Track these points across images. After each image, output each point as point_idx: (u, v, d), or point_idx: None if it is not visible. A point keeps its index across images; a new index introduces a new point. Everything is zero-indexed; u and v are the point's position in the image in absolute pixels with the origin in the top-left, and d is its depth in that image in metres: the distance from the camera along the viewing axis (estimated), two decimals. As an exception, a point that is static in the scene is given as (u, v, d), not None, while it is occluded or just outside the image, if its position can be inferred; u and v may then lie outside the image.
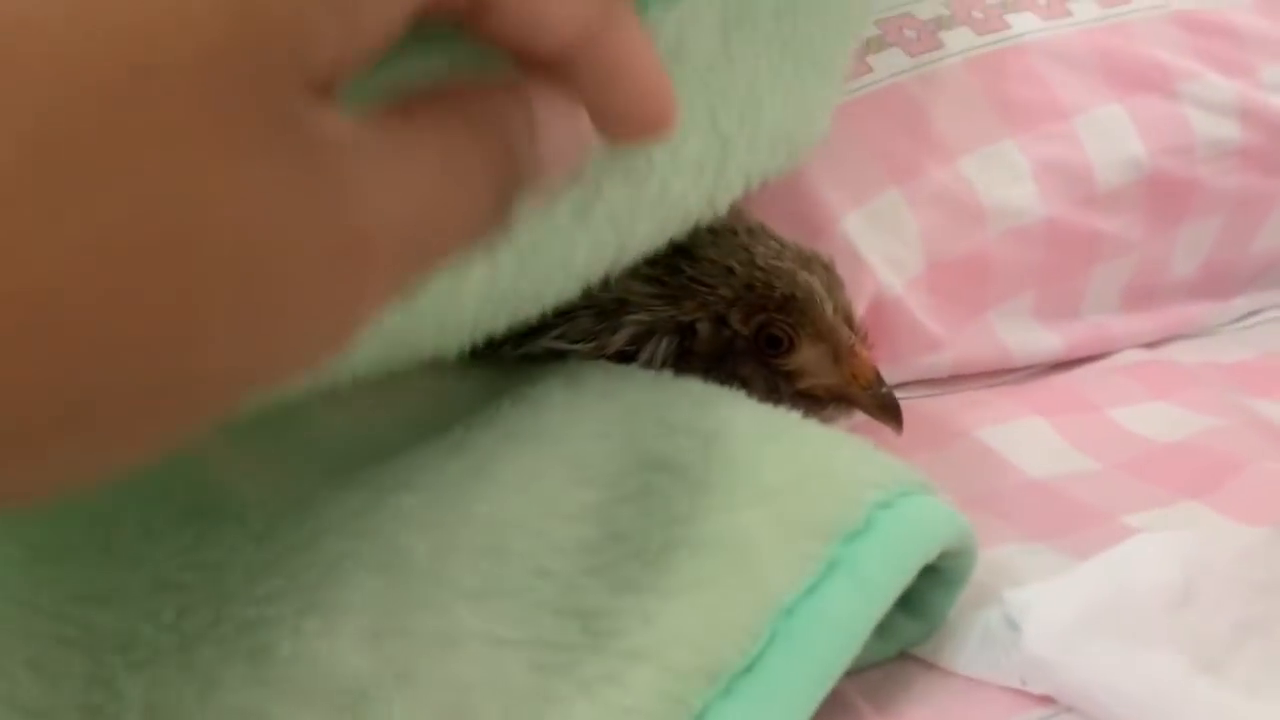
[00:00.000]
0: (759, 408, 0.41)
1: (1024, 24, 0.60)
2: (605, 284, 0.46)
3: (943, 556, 0.36)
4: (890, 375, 0.48)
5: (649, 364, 0.46)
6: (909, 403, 0.48)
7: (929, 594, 0.36)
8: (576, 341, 0.46)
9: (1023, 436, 0.52)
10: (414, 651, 0.31)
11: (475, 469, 0.36)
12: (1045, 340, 0.60)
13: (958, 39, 0.58)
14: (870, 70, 0.57)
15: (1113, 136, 0.59)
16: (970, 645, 0.36)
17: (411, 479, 0.36)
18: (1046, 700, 0.35)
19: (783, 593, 0.32)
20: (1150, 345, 0.63)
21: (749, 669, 0.31)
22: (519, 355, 0.46)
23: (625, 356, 0.46)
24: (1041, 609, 0.35)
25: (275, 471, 0.38)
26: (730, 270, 0.45)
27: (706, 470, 0.36)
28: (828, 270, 0.47)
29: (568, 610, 0.32)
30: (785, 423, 0.40)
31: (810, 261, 0.47)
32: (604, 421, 0.39)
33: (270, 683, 0.30)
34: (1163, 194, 0.60)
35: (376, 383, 0.41)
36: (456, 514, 0.35)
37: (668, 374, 0.44)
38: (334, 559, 0.33)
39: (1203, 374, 0.59)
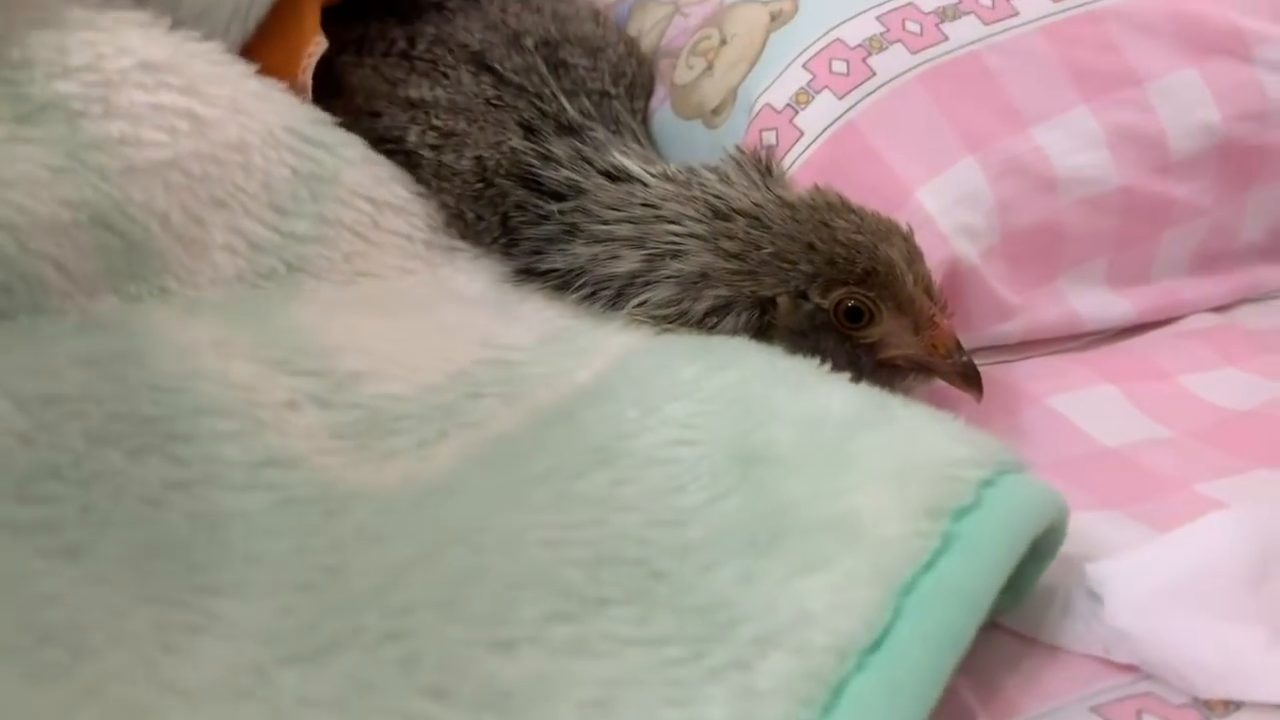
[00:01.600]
0: (849, 389, 0.42)
1: (1099, -12, 0.59)
2: (685, 258, 0.47)
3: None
4: (963, 342, 0.49)
5: (730, 335, 0.47)
6: (982, 370, 0.49)
7: (1021, 566, 0.37)
8: (658, 309, 0.48)
9: (1095, 404, 0.53)
10: (547, 656, 0.33)
11: (579, 494, 0.38)
12: (1116, 305, 0.60)
13: (1033, 6, 0.58)
14: (945, 39, 0.57)
15: (1187, 103, 0.58)
16: (1053, 615, 0.37)
17: (522, 497, 0.38)
18: (1129, 669, 0.36)
19: (902, 569, 0.34)
20: (1218, 310, 0.63)
21: (877, 645, 0.32)
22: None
23: (707, 327, 0.48)
24: (1122, 581, 0.36)
25: (373, 468, 0.40)
26: (811, 246, 0.46)
27: (806, 458, 0.38)
28: (907, 241, 0.48)
29: (688, 608, 0.34)
30: (878, 404, 0.41)
31: (890, 233, 0.48)
32: (686, 426, 0.41)
33: (421, 691, 0.32)
34: (1234, 159, 0.60)
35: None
36: (571, 532, 0.37)
37: (753, 350, 0.45)
38: (467, 573, 0.35)
39: (1272, 340, 0.59)
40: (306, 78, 0.54)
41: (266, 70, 0.53)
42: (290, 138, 0.51)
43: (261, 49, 0.54)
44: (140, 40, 0.49)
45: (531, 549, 0.36)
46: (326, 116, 0.53)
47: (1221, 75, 0.59)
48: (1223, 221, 0.62)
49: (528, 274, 0.52)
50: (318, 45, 0.55)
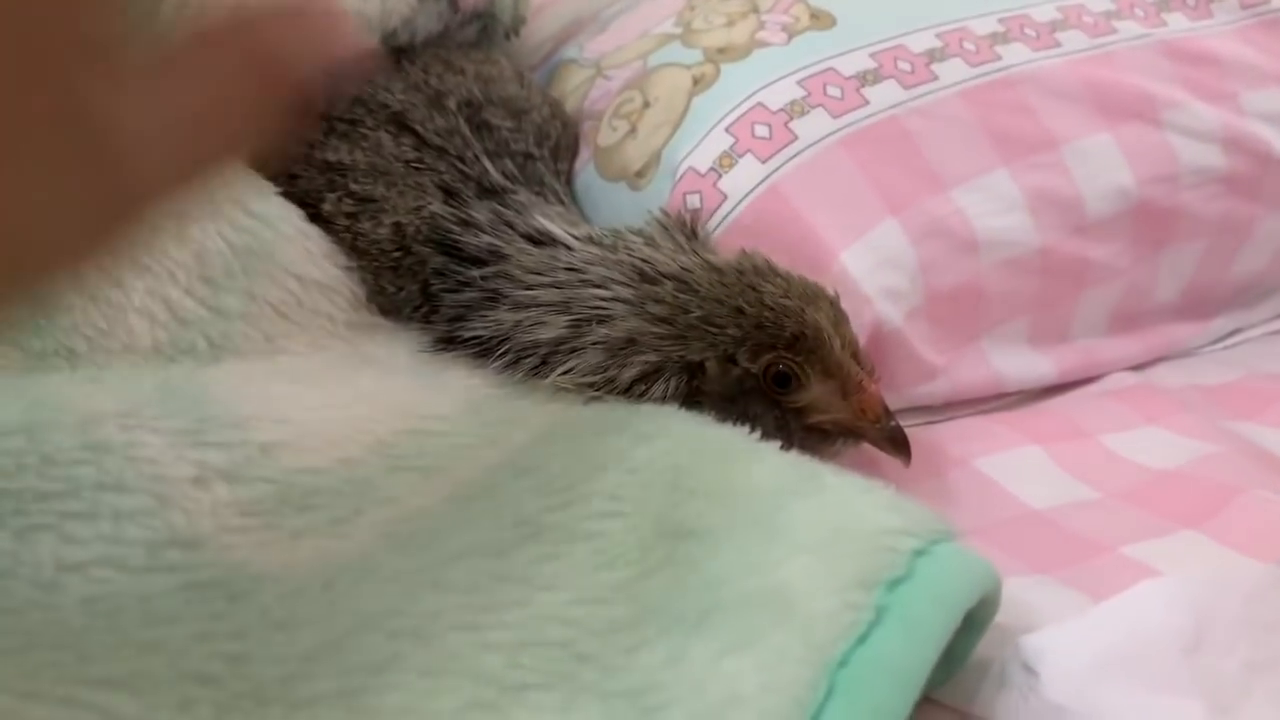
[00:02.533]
0: (778, 459, 0.41)
1: (1014, 55, 0.61)
2: (612, 323, 0.46)
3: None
4: (888, 403, 0.49)
5: (659, 402, 0.46)
6: (908, 431, 0.49)
7: (954, 637, 0.36)
8: (584, 377, 0.47)
9: (1020, 466, 0.53)
10: None
11: (501, 572, 0.37)
12: (1038, 365, 0.61)
13: (951, 71, 0.59)
14: (866, 103, 0.57)
15: (1102, 166, 0.60)
16: (988, 688, 0.37)
17: (440, 577, 0.36)
18: (1066, 743, 0.35)
19: (835, 644, 0.33)
20: (1136, 368, 0.64)
21: None
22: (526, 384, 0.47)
23: (634, 395, 0.47)
24: (1057, 654, 0.36)
25: (282, 547, 0.38)
26: (739, 310, 0.46)
27: (735, 531, 0.37)
28: (833, 305, 0.48)
29: (614, 692, 0.32)
30: (808, 474, 0.40)
31: (817, 297, 0.47)
32: (613, 499, 0.39)
33: None
34: (1149, 221, 0.62)
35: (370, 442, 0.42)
36: (491, 615, 0.35)
37: (680, 419, 0.45)
38: (380, 661, 0.33)
39: (1189, 397, 0.60)
40: None
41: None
42: (234, 210, 0.49)
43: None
44: None
45: (449, 634, 0.34)
46: (268, 186, 0.51)
47: (1134, 139, 0.61)
48: (1138, 282, 0.63)
49: (449, 342, 0.50)
50: None
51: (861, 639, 0.34)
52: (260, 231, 0.49)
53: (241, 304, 0.48)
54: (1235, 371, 0.64)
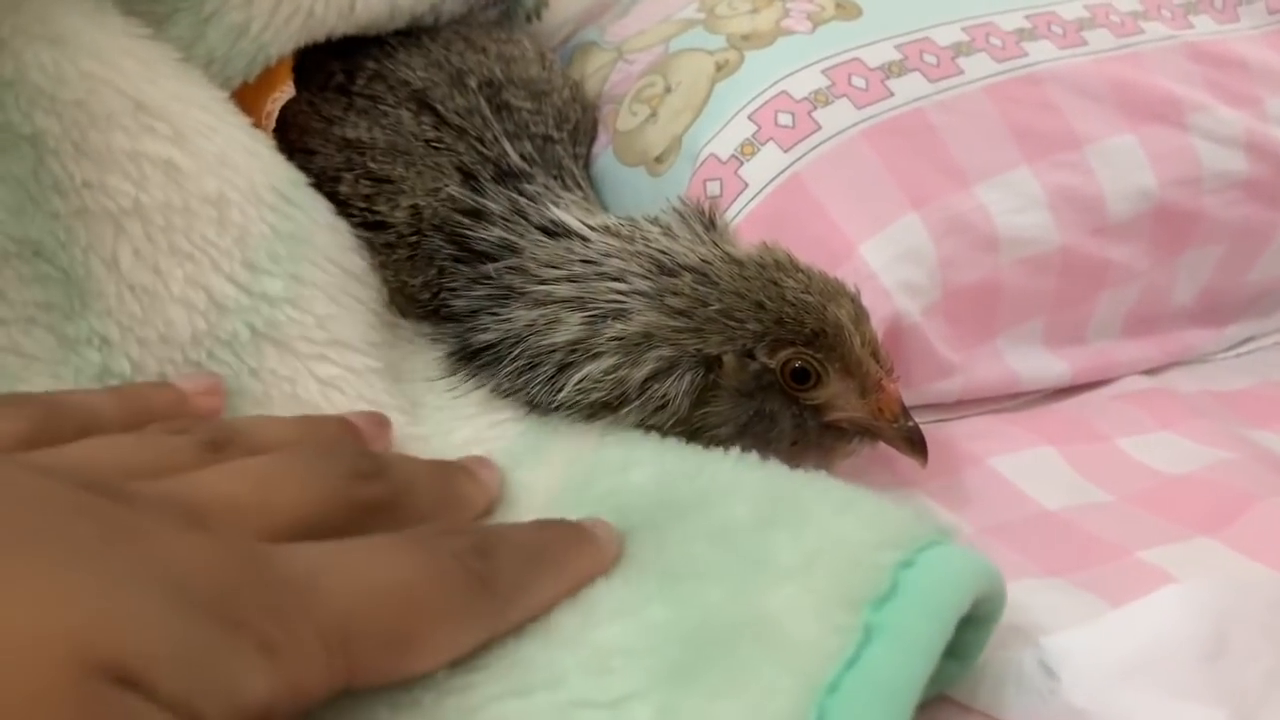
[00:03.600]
0: (754, 485, 0.40)
1: (1041, 52, 0.60)
2: (628, 318, 0.46)
3: (974, 600, 0.36)
4: (904, 400, 0.48)
5: (674, 398, 0.46)
6: (923, 429, 0.48)
7: (962, 634, 0.36)
8: (597, 384, 0.46)
9: (1034, 466, 0.53)
10: None
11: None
12: (1054, 366, 0.60)
13: (977, 66, 0.58)
14: (891, 94, 0.57)
15: (1125, 166, 0.59)
16: (1007, 689, 0.37)
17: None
18: (1085, 748, 0.35)
19: (823, 670, 0.32)
20: (1150, 372, 0.64)
21: None
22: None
23: (644, 396, 0.46)
24: (1078, 658, 0.36)
25: None
26: (760, 305, 0.45)
27: (713, 568, 0.36)
28: (854, 302, 0.47)
29: None
30: (784, 498, 0.39)
31: (838, 294, 0.47)
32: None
33: None
34: (1169, 224, 0.61)
35: None
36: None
37: (652, 455, 0.44)
38: None
39: (1202, 403, 0.60)
40: (270, 124, 0.52)
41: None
42: (273, 196, 0.47)
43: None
44: (142, 77, 0.45)
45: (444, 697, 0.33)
46: (301, 177, 0.50)
47: (1158, 141, 0.60)
48: (1156, 284, 0.63)
49: (462, 357, 0.49)
50: (284, 91, 0.52)
51: (851, 661, 0.32)
52: (299, 217, 0.48)
53: (286, 288, 0.46)
54: (1249, 379, 0.64)
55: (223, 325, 0.45)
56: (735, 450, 0.43)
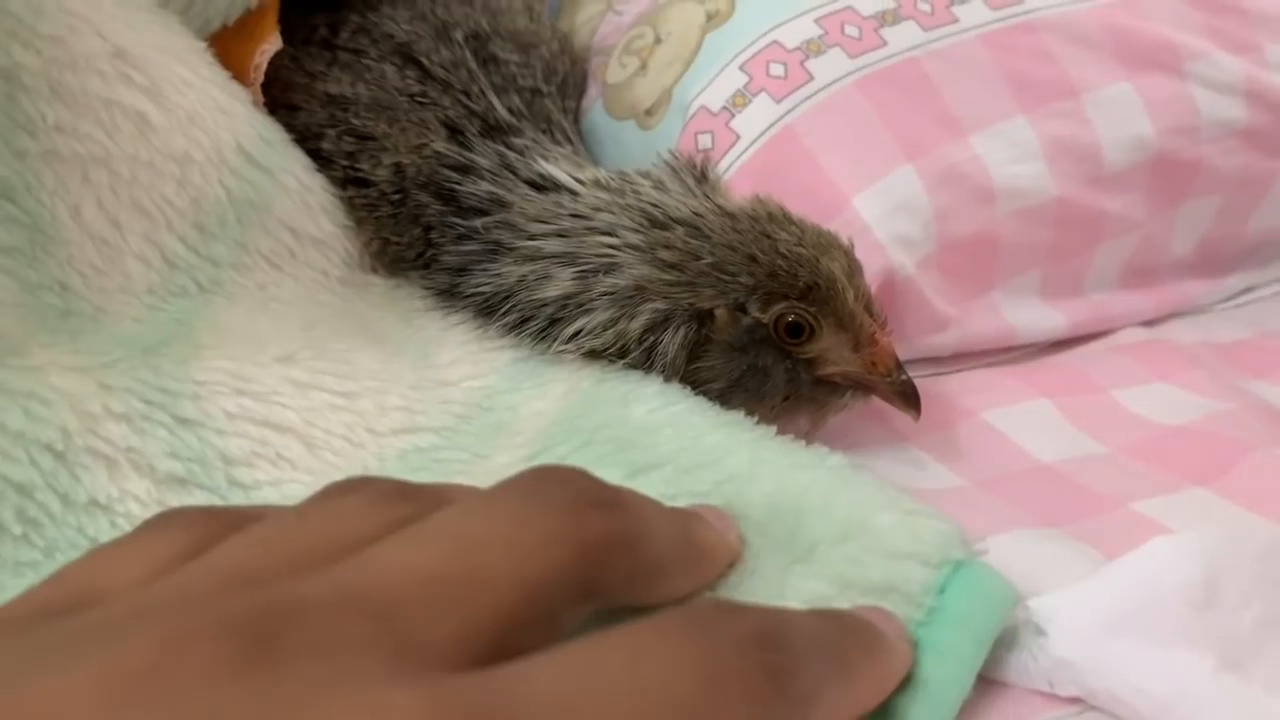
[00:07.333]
0: (768, 503, 0.37)
1: (1037, -1, 0.59)
2: (620, 271, 0.45)
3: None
4: (898, 353, 0.48)
5: (666, 353, 0.45)
6: (917, 382, 0.48)
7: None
8: (593, 337, 0.45)
9: (1029, 419, 0.53)
10: None
11: None
12: (1049, 318, 0.60)
13: (972, 14, 0.57)
14: (884, 44, 0.56)
15: (1121, 115, 0.58)
16: (997, 649, 0.36)
17: None
18: (1074, 700, 0.35)
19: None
20: (1147, 324, 0.63)
21: None
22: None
23: (645, 347, 0.46)
24: (1067, 612, 0.35)
25: None
26: (752, 258, 0.45)
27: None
28: (847, 255, 0.47)
29: None
30: (802, 529, 0.36)
31: (831, 247, 0.46)
32: None
33: None
34: (1166, 174, 0.60)
35: None
36: None
37: (660, 401, 0.44)
38: None
39: (1200, 354, 0.60)
40: (258, 76, 0.51)
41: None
42: (237, 158, 0.48)
43: (212, 40, 0.51)
44: (122, 20, 0.45)
45: None
46: (278, 135, 0.50)
47: (1155, 89, 0.59)
48: (1153, 235, 0.62)
49: (451, 295, 0.49)
50: (271, 44, 0.51)
51: None
52: (261, 181, 0.48)
53: (231, 253, 0.48)
54: (1247, 329, 0.63)
55: (173, 280, 0.47)
56: (751, 434, 0.41)
